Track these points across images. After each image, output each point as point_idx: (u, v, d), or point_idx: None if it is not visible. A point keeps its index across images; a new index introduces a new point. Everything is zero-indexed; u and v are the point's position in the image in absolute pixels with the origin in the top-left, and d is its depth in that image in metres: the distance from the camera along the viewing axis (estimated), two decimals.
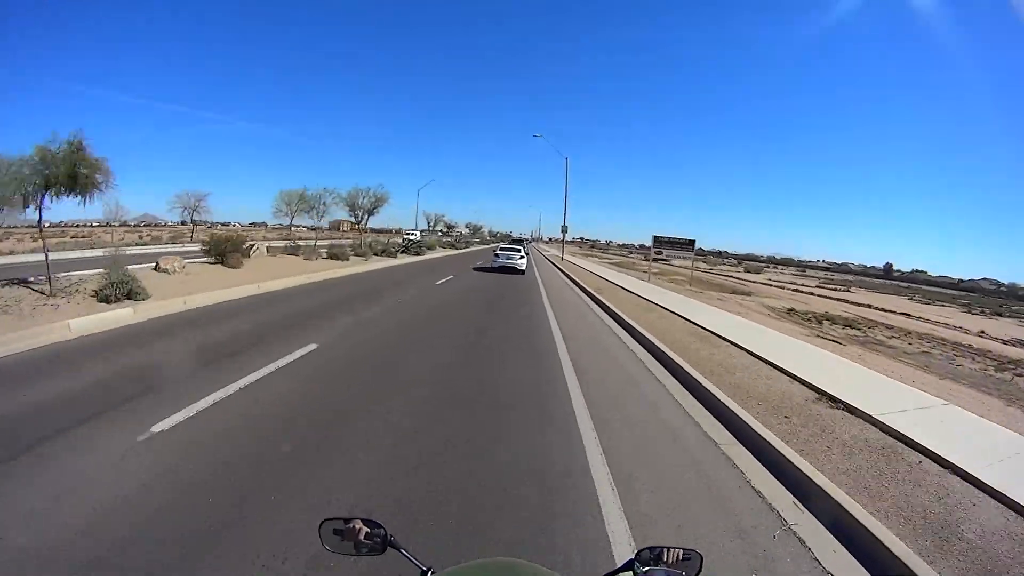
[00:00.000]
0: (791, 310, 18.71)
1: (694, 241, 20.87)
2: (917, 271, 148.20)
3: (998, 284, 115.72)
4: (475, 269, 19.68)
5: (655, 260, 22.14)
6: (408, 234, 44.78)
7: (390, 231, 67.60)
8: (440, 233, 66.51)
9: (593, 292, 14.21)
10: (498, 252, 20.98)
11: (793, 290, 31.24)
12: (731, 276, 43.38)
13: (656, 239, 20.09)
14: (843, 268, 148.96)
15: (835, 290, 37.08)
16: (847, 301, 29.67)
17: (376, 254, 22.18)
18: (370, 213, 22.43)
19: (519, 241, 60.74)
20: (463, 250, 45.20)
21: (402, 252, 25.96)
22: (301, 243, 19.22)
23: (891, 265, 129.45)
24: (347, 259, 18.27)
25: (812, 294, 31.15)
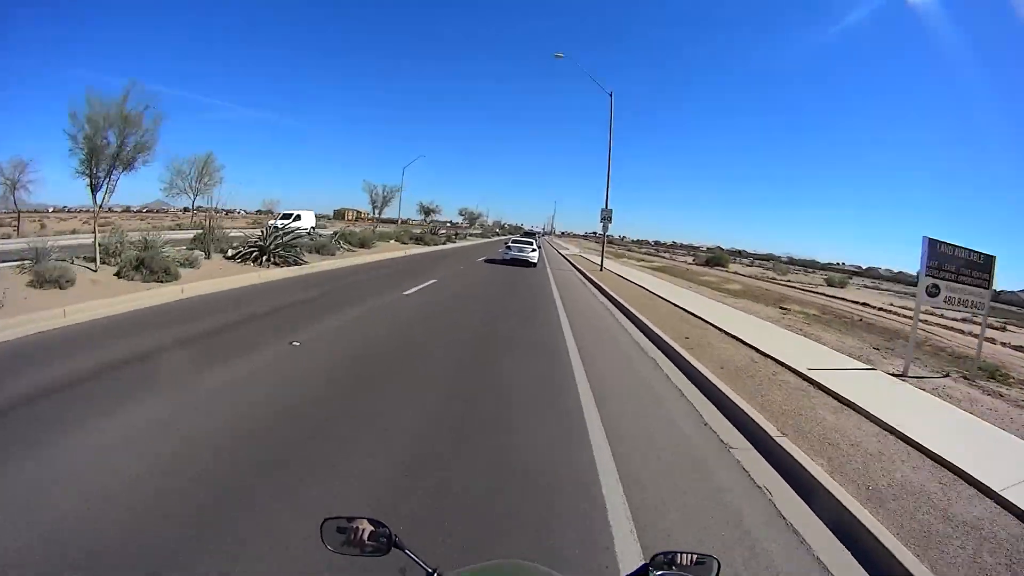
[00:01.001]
0: None
1: (993, 260, 7.22)
2: (902, 272, 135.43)
3: None
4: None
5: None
6: (283, 216, 25.17)
7: (401, 220, 50.18)
8: (438, 225, 50.05)
9: None
10: (510, 245, 20.89)
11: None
12: (818, 291, 29.86)
13: (934, 247, 6.32)
14: (871, 272, 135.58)
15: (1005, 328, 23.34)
16: None
17: (124, 271, 8.35)
18: (113, 169, 8.61)
19: (531, 234, 53.48)
20: (436, 247, 30.95)
21: (249, 256, 11.99)
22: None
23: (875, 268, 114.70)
24: None
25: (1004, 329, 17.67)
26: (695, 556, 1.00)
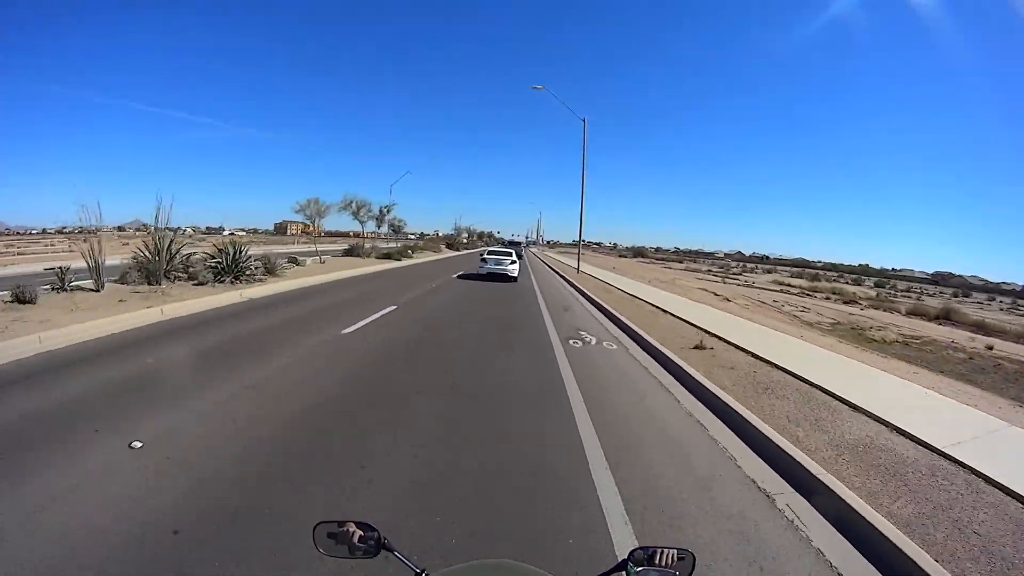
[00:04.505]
0: None
1: None
2: (975, 277, 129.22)
3: None
4: None
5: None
6: None
7: (348, 234, 48.44)
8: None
9: None
10: (486, 257, 18.63)
11: None
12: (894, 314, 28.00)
13: None
14: (885, 274, 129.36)
15: None
16: None
17: None
18: None
19: (513, 244, 49.46)
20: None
21: None
22: None
23: (950, 274, 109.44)
24: None
25: None
26: (675, 552, 1.00)
